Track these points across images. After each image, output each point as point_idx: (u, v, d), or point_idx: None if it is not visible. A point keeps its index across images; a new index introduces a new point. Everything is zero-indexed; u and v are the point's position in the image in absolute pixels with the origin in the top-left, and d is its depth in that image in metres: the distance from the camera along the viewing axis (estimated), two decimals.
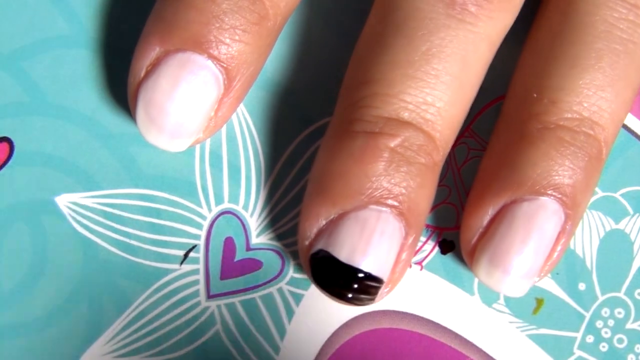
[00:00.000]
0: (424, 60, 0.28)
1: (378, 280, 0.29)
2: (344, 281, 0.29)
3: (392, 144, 0.28)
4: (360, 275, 0.29)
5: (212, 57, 0.28)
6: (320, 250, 0.29)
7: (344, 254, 0.29)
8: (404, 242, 0.29)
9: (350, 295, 0.29)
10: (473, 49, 0.29)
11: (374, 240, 0.29)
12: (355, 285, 0.29)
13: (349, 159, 0.29)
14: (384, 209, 0.29)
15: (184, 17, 0.28)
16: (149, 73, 0.29)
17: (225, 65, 0.29)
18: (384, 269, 0.29)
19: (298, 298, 0.32)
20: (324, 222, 0.29)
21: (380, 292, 0.29)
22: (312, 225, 0.29)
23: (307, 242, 0.29)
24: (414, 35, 0.29)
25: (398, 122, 0.29)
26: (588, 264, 0.32)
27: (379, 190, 0.28)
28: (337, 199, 0.29)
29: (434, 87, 0.29)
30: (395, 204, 0.29)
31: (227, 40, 0.28)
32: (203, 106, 0.29)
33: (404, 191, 0.29)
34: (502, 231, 0.29)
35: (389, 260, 0.29)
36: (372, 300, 0.29)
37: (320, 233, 0.29)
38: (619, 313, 0.32)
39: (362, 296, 0.29)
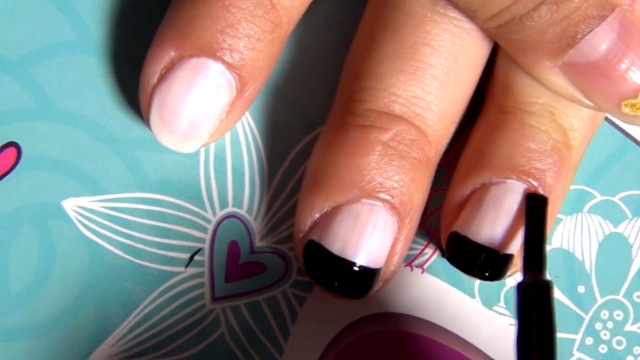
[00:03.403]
0: (411, 54, 0.29)
1: (370, 273, 0.29)
2: (336, 274, 0.29)
3: (384, 138, 0.29)
4: (353, 267, 0.29)
5: (226, 63, 0.28)
6: (314, 243, 0.29)
7: (336, 247, 0.29)
8: (397, 236, 0.29)
9: (342, 288, 0.29)
10: (461, 42, 0.29)
11: (367, 234, 0.29)
12: (348, 278, 0.29)
13: (342, 153, 0.29)
14: (376, 202, 0.29)
15: (199, 24, 0.28)
16: (163, 77, 0.29)
17: (238, 72, 0.29)
18: (376, 262, 0.29)
19: (302, 300, 0.32)
20: (317, 215, 0.29)
21: (373, 285, 0.29)
22: (307, 217, 0.29)
23: (301, 235, 0.30)
24: (401, 29, 0.29)
25: (389, 116, 0.29)
26: (587, 267, 0.32)
27: (372, 184, 0.29)
28: (330, 192, 0.29)
29: (423, 80, 0.29)
30: (388, 197, 0.29)
31: (241, 48, 0.28)
32: (215, 110, 0.29)
33: (395, 185, 0.29)
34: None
35: (382, 254, 0.29)
36: (365, 293, 0.29)
37: (314, 226, 0.29)
38: (618, 315, 0.32)
39: (355, 289, 0.29)
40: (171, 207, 0.32)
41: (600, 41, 0.27)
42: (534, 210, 0.29)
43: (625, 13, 0.27)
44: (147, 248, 0.31)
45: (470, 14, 0.28)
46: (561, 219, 0.32)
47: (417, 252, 0.32)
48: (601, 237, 0.32)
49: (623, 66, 0.27)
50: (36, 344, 0.31)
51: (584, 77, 0.27)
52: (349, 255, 0.29)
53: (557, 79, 0.27)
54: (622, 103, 0.27)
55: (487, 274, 0.29)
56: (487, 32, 0.29)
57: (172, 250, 0.32)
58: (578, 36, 0.27)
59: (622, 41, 0.26)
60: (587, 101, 0.28)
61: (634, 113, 0.27)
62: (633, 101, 0.27)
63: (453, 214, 0.30)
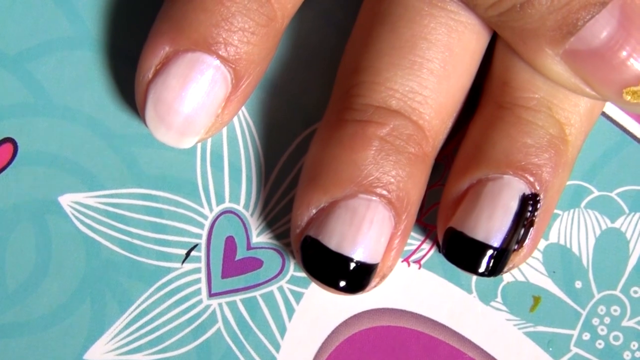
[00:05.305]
0: (408, 48, 0.29)
1: (367, 268, 0.29)
2: (333, 269, 0.29)
3: (381, 133, 0.29)
4: (350, 263, 0.29)
5: (220, 58, 0.28)
6: (311, 239, 0.29)
7: (333, 243, 0.29)
8: (394, 232, 0.29)
9: (340, 284, 0.29)
10: (457, 36, 0.29)
11: (364, 229, 0.29)
12: (345, 274, 0.29)
13: (339, 147, 0.29)
14: (373, 197, 0.29)
15: (193, 19, 0.28)
16: (158, 72, 0.29)
17: (233, 66, 0.29)
18: (373, 258, 0.29)
19: (298, 296, 0.32)
20: (314, 211, 0.29)
21: (370, 281, 0.29)
22: (303, 213, 0.29)
23: (298, 231, 0.30)
24: (398, 23, 0.29)
25: (387, 111, 0.29)
26: (584, 262, 0.32)
27: (369, 179, 0.29)
28: (327, 187, 0.29)
29: (420, 74, 0.29)
30: (385, 192, 0.29)
31: (236, 42, 0.28)
32: (211, 105, 0.29)
33: (392, 180, 0.29)
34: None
35: (379, 249, 0.29)
36: (362, 289, 0.29)
37: (311, 221, 0.29)
38: (615, 311, 0.32)
39: (352, 285, 0.29)
40: (168, 203, 0.32)
41: (601, 28, 0.27)
42: None
43: (625, 0, 0.27)
44: (144, 244, 0.32)
45: (470, 3, 0.28)
46: (558, 214, 0.32)
47: (414, 247, 0.32)
48: (598, 233, 0.32)
49: (624, 53, 0.26)
50: (33, 340, 0.31)
51: (586, 65, 0.27)
52: (346, 251, 0.29)
53: (559, 68, 0.27)
54: (624, 90, 0.27)
55: (483, 270, 0.29)
56: (487, 21, 0.28)
57: (168, 246, 0.32)
58: (579, 23, 0.27)
59: (623, 28, 0.26)
60: (588, 90, 0.28)
61: (635, 100, 0.27)
62: (635, 88, 0.27)
63: (450, 210, 0.30)
